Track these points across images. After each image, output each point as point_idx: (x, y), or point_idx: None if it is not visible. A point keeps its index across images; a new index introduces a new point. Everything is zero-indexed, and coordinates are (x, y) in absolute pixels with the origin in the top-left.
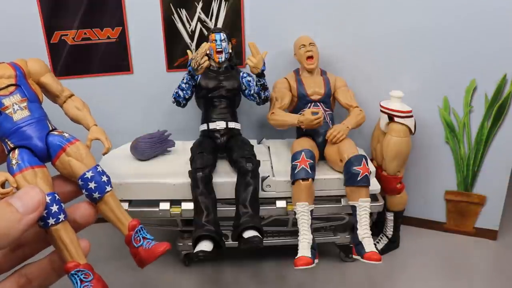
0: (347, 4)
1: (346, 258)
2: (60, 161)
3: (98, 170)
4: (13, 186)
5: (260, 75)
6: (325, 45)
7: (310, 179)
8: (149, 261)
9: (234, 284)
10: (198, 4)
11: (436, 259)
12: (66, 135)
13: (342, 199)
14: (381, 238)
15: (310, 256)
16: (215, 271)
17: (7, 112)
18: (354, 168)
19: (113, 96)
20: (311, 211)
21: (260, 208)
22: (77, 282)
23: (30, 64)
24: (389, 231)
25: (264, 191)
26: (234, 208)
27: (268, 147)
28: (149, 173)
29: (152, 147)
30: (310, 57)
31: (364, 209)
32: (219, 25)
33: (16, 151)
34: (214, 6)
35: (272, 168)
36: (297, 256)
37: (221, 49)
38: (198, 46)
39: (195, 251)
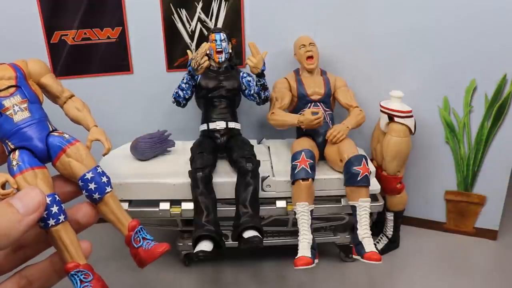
0: (347, 4)
1: (346, 258)
2: (61, 162)
3: (98, 171)
4: (13, 187)
5: (260, 75)
6: (325, 45)
7: (310, 179)
8: (148, 262)
9: (234, 284)
10: (198, 4)
11: (436, 259)
12: (66, 136)
13: (342, 199)
14: (381, 238)
15: (310, 256)
16: (215, 271)
17: (7, 113)
18: (354, 168)
19: (113, 96)
20: (311, 211)
21: (260, 208)
22: (77, 283)
23: (30, 65)
24: (389, 231)
25: (264, 191)
26: (234, 208)
27: (268, 147)
28: (149, 173)
29: (152, 147)
30: (310, 57)
31: (364, 209)
32: (219, 25)
33: (17, 152)
34: (214, 6)
35: (272, 168)
36: (297, 256)
37: (221, 49)
38: (198, 46)
39: (195, 251)
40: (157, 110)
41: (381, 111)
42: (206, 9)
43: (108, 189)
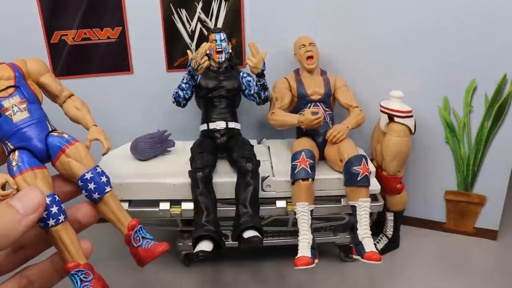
0: (347, 4)
1: (346, 258)
2: (60, 162)
3: (97, 171)
4: (13, 188)
5: (260, 75)
6: (325, 45)
7: (310, 179)
8: (148, 261)
9: (234, 284)
10: (198, 4)
11: (436, 259)
12: (66, 136)
13: (342, 199)
14: (381, 238)
15: (310, 256)
16: (215, 271)
17: (6, 114)
18: (354, 168)
19: (113, 96)
20: (311, 211)
21: (260, 208)
22: (77, 282)
23: (30, 64)
24: (389, 231)
25: (264, 191)
26: (234, 208)
27: (268, 147)
28: (149, 173)
29: (152, 147)
30: (310, 57)
31: (364, 209)
32: (219, 25)
33: (16, 152)
34: (214, 6)
35: (272, 168)
36: (297, 256)
37: (221, 49)
38: (198, 46)
39: (195, 251)
40: (157, 110)
41: (381, 111)
42: (206, 9)
43: (108, 188)
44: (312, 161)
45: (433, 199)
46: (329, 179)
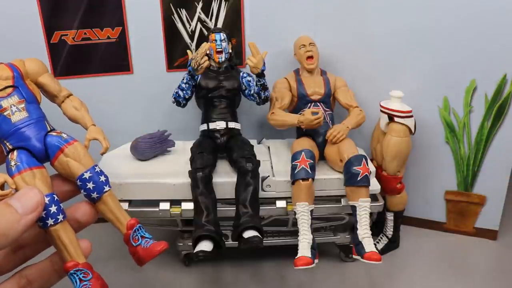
0: (347, 4)
1: (346, 258)
2: (59, 162)
3: (96, 170)
4: (12, 188)
5: (260, 75)
6: (325, 45)
7: (310, 179)
8: (147, 260)
9: (234, 284)
10: (198, 4)
11: (436, 259)
12: (64, 135)
13: (342, 199)
14: (381, 238)
15: (310, 256)
16: (215, 271)
17: (5, 114)
18: (354, 168)
19: (113, 96)
20: (311, 211)
21: (260, 208)
22: (76, 281)
23: (28, 64)
24: (389, 231)
25: (264, 191)
26: (234, 208)
27: (268, 147)
28: (149, 173)
29: (152, 147)
30: (310, 57)
31: (364, 209)
32: (219, 25)
33: (15, 152)
34: (214, 6)
35: (272, 168)
36: (297, 256)
37: (221, 49)
38: (198, 46)
39: (195, 251)
40: (157, 110)
41: (381, 111)
42: (206, 9)
43: (106, 188)
44: (312, 161)
45: (433, 199)
46: (329, 179)
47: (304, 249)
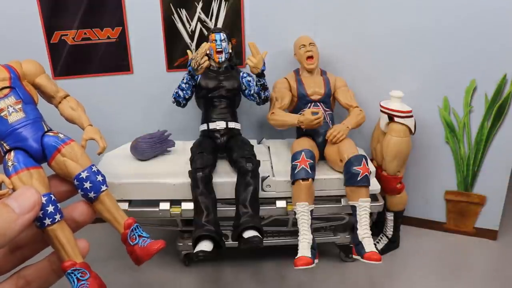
0: (347, 4)
1: (346, 258)
2: (56, 162)
3: (93, 170)
4: (9, 188)
5: (260, 75)
6: (325, 45)
7: (310, 179)
8: (145, 259)
9: (234, 284)
10: (198, 4)
11: (436, 259)
12: (61, 135)
13: (342, 199)
14: (381, 238)
15: (310, 256)
16: (215, 271)
17: (2, 114)
18: (354, 168)
19: (113, 96)
20: (311, 211)
21: (260, 208)
22: (74, 281)
23: (25, 65)
24: (389, 231)
25: (264, 191)
26: (234, 208)
27: (268, 147)
28: (149, 173)
29: (152, 147)
30: (310, 57)
31: (364, 209)
32: (219, 25)
33: (12, 153)
34: (214, 6)
35: (272, 168)
36: (297, 256)
37: (221, 49)
38: (198, 46)
39: (195, 251)
40: (157, 110)
41: (381, 111)
42: (206, 9)
43: (104, 187)
44: (312, 161)
45: (433, 199)
46: (329, 179)
47: (304, 249)
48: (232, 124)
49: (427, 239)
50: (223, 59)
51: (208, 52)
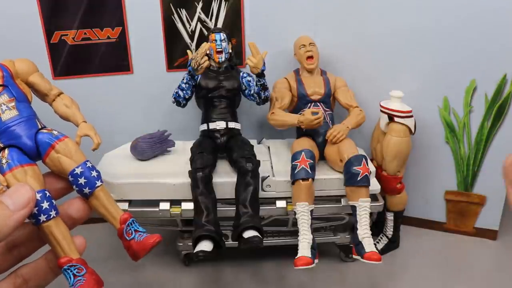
0: (347, 4)
1: (346, 258)
2: (50, 158)
3: (87, 165)
4: (3, 185)
5: (260, 75)
6: (325, 45)
7: (310, 179)
8: (141, 254)
9: (234, 284)
10: (198, 4)
11: (436, 259)
12: (55, 132)
13: (342, 199)
14: (381, 238)
15: (310, 256)
16: (215, 271)
17: None
18: (354, 168)
19: (113, 96)
20: (311, 211)
21: (260, 208)
22: (70, 277)
23: (18, 64)
24: (389, 231)
25: (264, 191)
26: (234, 208)
27: (268, 147)
28: (149, 173)
29: (152, 147)
30: (310, 57)
31: (364, 209)
32: (219, 25)
33: (6, 150)
34: (214, 6)
35: (272, 168)
36: (297, 256)
37: (221, 49)
38: (198, 46)
39: (195, 251)
40: (157, 110)
41: (381, 111)
42: (206, 9)
43: (98, 183)
44: (312, 161)
45: (433, 199)
46: (329, 179)
47: (304, 249)
48: (232, 124)
49: (427, 239)
50: (223, 59)
51: (208, 52)
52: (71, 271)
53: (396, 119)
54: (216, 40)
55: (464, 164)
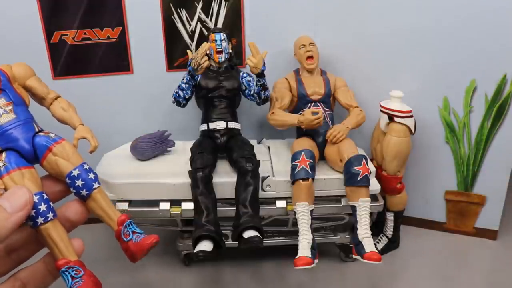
0: (347, 4)
1: (346, 258)
2: (47, 161)
3: (84, 167)
4: (1, 188)
5: (260, 75)
6: (325, 45)
7: (310, 179)
8: (139, 255)
9: (234, 284)
10: (198, 4)
11: (436, 259)
12: (52, 135)
13: (342, 199)
14: (381, 238)
15: (310, 256)
16: (215, 271)
17: None
18: (354, 168)
19: (113, 96)
20: (311, 211)
21: (260, 208)
22: (68, 279)
23: (15, 68)
24: (389, 231)
25: (264, 191)
26: (234, 208)
27: (268, 147)
28: (149, 173)
29: (152, 147)
30: (310, 57)
31: (364, 209)
32: (219, 25)
33: (3, 153)
34: (214, 6)
35: (272, 168)
36: (297, 256)
37: (221, 49)
38: (198, 46)
39: (195, 251)
40: (157, 110)
41: (381, 111)
42: (206, 9)
43: (96, 185)
44: (312, 161)
45: (433, 199)
46: (329, 179)
47: (304, 249)
48: (232, 124)
49: (427, 239)
50: (223, 59)
51: (208, 52)
52: (69, 273)
53: (396, 119)
54: (216, 40)
55: (464, 164)
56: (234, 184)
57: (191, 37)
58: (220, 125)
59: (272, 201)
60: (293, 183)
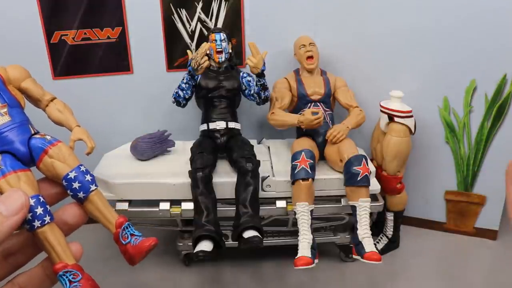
0: (347, 4)
1: (346, 258)
2: (44, 164)
3: (81, 169)
4: None
5: (260, 75)
6: (325, 45)
7: (310, 179)
8: (138, 258)
9: (234, 284)
10: (198, 4)
11: (436, 259)
12: (48, 137)
13: (342, 199)
14: (381, 238)
15: (310, 256)
16: (215, 271)
17: None
18: (354, 168)
19: (113, 96)
20: (311, 211)
21: (260, 208)
22: (66, 283)
23: (10, 70)
24: (389, 231)
25: (264, 191)
26: (234, 208)
27: (268, 147)
28: (149, 173)
29: (152, 147)
30: (310, 57)
31: (364, 209)
32: (219, 25)
33: None
34: (214, 6)
35: (272, 168)
36: (297, 256)
37: (221, 49)
38: (198, 46)
39: (195, 251)
40: (157, 110)
41: (381, 111)
42: (206, 9)
43: (93, 187)
44: (312, 161)
45: (433, 199)
46: (329, 179)
47: (304, 249)
48: (232, 124)
49: (427, 239)
50: (223, 59)
51: (208, 52)
52: (66, 277)
53: (396, 119)
54: (216, 40)
55: (464, 164)
56: (234, 184)
57: (191, 37)
58: (220, 125)
59: (272, 201)
60: (293, 183)
